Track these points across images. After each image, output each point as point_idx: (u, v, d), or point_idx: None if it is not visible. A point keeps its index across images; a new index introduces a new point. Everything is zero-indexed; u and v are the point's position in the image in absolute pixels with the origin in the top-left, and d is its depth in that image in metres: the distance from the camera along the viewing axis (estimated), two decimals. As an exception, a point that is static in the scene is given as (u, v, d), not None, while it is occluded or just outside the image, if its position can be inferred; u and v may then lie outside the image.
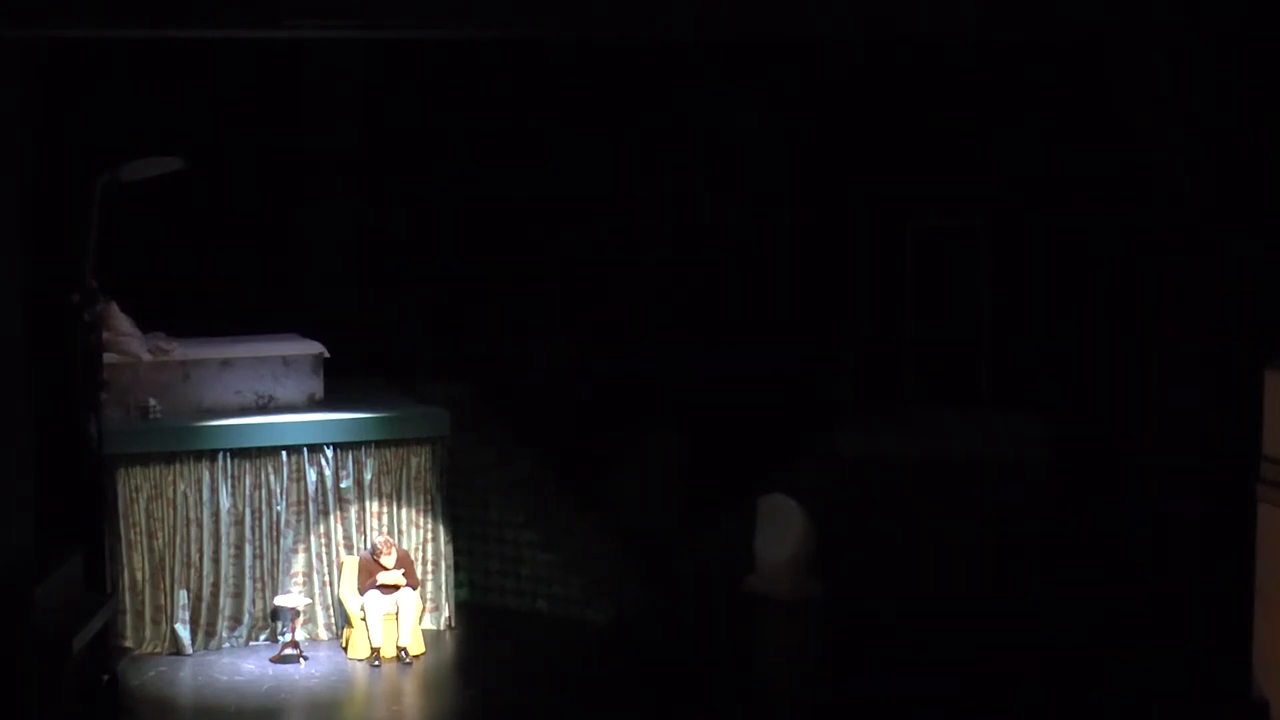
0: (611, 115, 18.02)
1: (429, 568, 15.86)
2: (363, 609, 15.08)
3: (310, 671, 14.78)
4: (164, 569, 15.10)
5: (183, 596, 15.14)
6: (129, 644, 14.82)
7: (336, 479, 15.57)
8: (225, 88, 17.06)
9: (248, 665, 14.87)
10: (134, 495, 14.98)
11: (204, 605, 15.21)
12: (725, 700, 14.22)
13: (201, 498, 15.17)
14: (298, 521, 15.47)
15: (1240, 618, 12.89)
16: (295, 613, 15.08)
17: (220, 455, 15.20)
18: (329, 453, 15.53)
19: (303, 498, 15.49)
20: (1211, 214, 15.44)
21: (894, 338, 18.19)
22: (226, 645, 15.27)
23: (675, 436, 18.28)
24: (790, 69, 17.71)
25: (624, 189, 18.28)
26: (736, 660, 15.48)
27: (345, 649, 15.24)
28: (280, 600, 15.19)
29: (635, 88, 17.87)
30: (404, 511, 15.79)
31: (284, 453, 15.40)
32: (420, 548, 15.82)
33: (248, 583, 15.33)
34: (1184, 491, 15.53)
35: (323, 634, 15.58)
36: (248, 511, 15.32)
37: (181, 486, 15.11)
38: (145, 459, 15.00)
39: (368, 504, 15.68)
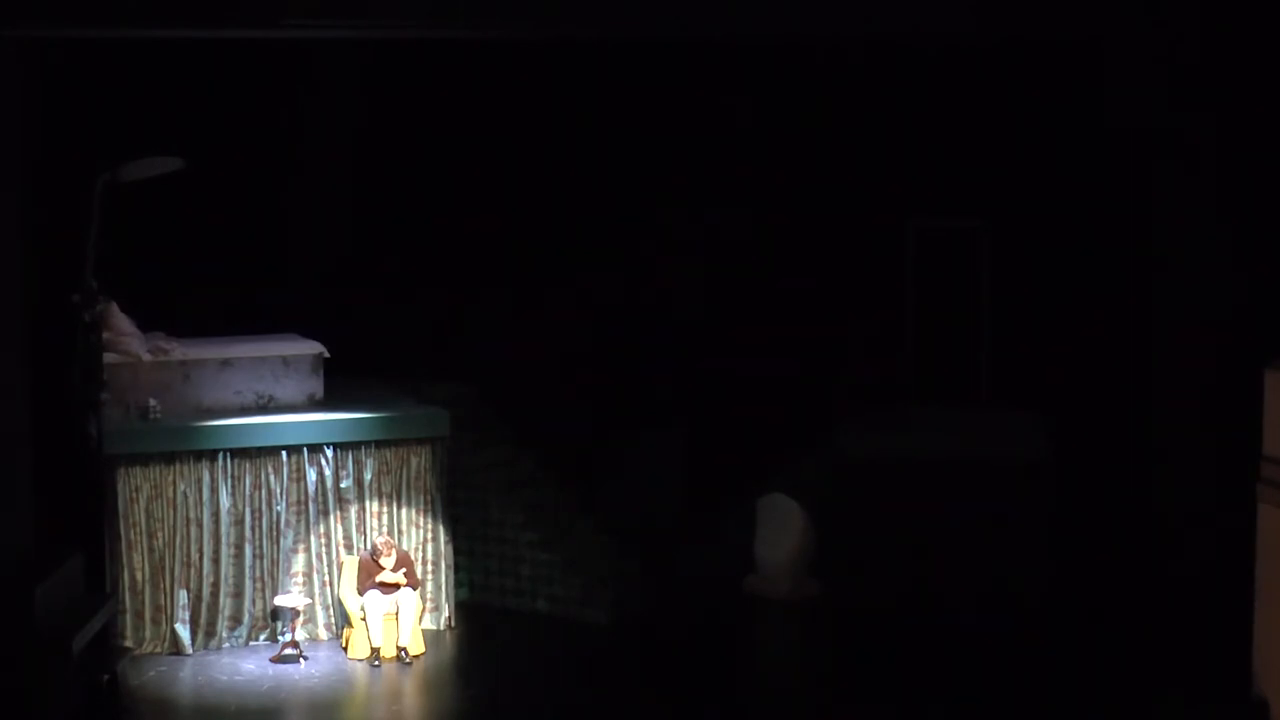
0: (611, 116, 18.00)
1: (429, 568, 15.86)
2: (363, 609, 15.08)
3: (310, 671, 14.78)
4: (164, 569, 15.10)
5: (183, 596, 15.13)
6: (129, 644, 14.81)
7: (336, 479, 15.56)
8: (224, 87, 17.05)
9: (248, 665, 14.87)
10: (134, 495, 14.98)
11: (204, 605, 15.20)
12: (725, 700, 14.21)
13: (201, 498, 15.17)
14: (298, 521, 15.47)
15: (1240, 618, 12.89)
16: (295, 613, 15.08)
17: (220, 455, 15.19)
18: (329, 453, 15.53)
19: (303, 498, 15.48)
20: (1211, 213, 15.44)
21: (894, 338, 18.18)
22: (226, 645, 15.26)
23: (675, 436, 18.27)
24: (790, 69, 17.70)
25: (623, 189, 18.26)
26: (736, 660, 15.47)
27: (345, 649, 15.23)
28: (280, 600, 15.18)
29: (635, 88, 17.86)
30: (404, 511, 15.79)
31: (284, 453, 15.39)
32: (420, 548, 15.82)
33: (248, 583, 15.33)
34: (1184, 492, 15.52)
35: (323, 634, 15.57)
36: (248, 511, 15.32)
37: (181, 486, 15.11)
38: (145, 459, 14.99)
39: (368, 504, 15.68)
